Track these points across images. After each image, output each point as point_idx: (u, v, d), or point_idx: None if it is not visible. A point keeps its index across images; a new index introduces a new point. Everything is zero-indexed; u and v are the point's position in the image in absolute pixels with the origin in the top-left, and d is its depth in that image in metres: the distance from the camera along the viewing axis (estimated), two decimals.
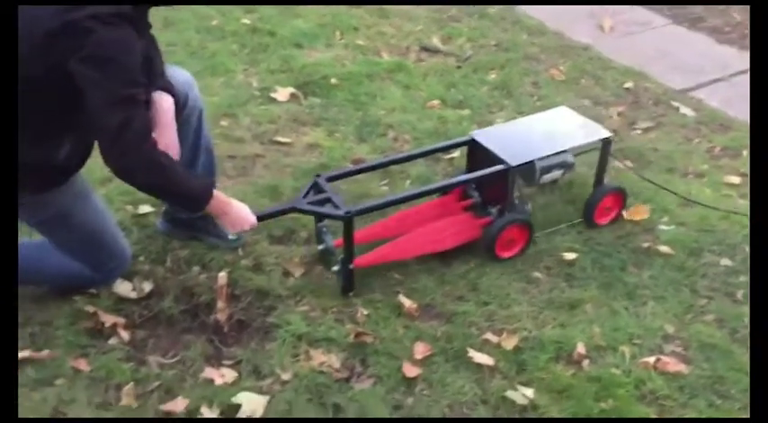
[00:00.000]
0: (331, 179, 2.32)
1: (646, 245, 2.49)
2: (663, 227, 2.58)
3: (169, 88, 2.02)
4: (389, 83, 3.38)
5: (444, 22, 4.00)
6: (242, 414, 1.86)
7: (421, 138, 2.99)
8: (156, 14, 3.96)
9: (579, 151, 2.49)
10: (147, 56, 1.92)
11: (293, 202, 2.23)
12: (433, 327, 2.14)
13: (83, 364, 1.97)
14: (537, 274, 2.35)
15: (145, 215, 2.48)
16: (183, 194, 1.93)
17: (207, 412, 1.85)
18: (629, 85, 3.48)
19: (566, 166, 2.42)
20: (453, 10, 4.11)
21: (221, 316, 2.11)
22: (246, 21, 3.79)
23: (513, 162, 2.30)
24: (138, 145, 1.79)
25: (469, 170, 2.47)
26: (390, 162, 2.56)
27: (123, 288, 2.17)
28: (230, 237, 2.28)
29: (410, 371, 1.99)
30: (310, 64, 3.44)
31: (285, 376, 1.97)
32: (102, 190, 2.55)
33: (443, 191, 2.50)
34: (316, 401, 1.91)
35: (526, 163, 2.33)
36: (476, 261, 2.37)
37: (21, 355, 1.97)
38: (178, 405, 1.87)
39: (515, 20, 4.06)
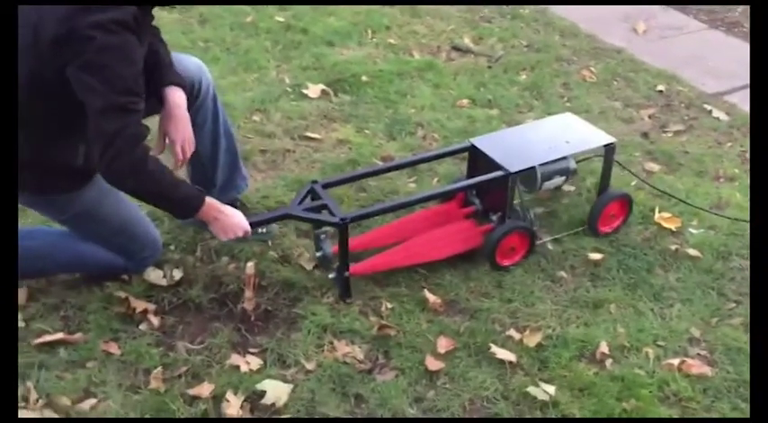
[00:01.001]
0: (327, 186, 2.29)
1: (674, 247, 2.47)
2: (692, 230, 2.56)
3: (179, 82, 2.05)
4: (419, 81, 3.40)
5: (476, 22, 4.01)
6: (266, 401, 1.89)
7: (450, 136, 3.01)
8: (191, 11, 4.05)
9: (582, 158, 2.45)
10: (153, 51, 1.97)
11: (288, 209, 2.21)
12: (457, 322, 2.16)
13: (114, 348, 2.02)
14: (562, 273, 2.35)
15: None
16: (172, 201, 1.96)
17: (232, 398, 1.89)
18: (661, 87, 3.46)
19: (568, 173, 2.39)
20: (485, 10, 4.12)
21: (248, 305, 2.15)
22: (280, 18, 3.85)
23: (513, 168, 2.26)
24: (129, 152, 1.81)
25: (470, 177, 2.43)
26: (388, 169, 2.52)
27: (154, 275, 2.22)
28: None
29: (432, 364, 2.01)
30: (341, 62, 3.47)
31: (309, 366, 2.00)
32: None
33: (441, 198, 2.46)
34: (338, 391, 1.94)
35: (525, 169, 2.29)
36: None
37: (54, 337, 2.03)
38: (204, 390, 1.91)
39: (548, 21, 4.05)
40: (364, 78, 3.35)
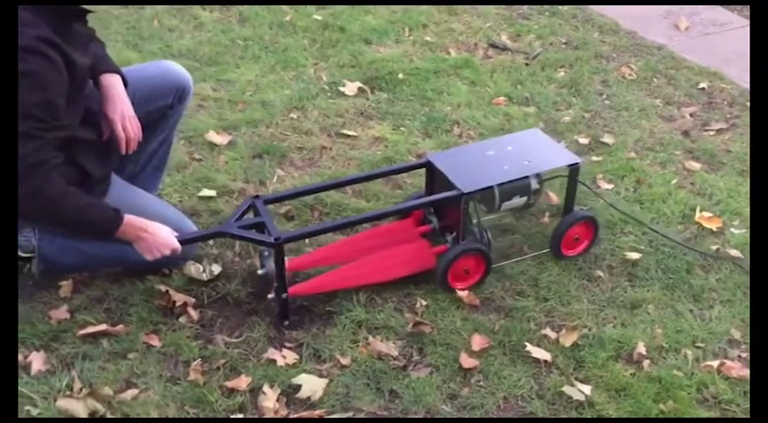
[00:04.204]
0: (268, 202, 2.22)
1: (714, 247, 2.43)
2: (734, 230, 2.51)
3: (113, 69, 2.11)
4: (456, 79, 3.40)
5: (514, 19, 3.98)
6: (302, 395, 1.92)
7: (486, 134, 3.00)
8: (231, 10, 4.11)
9: (545, 177, 2.32)
10: (95, 55, 2.03)
11: (223, 226, 2.14)
12: (492, 320, 2.16)
13: (154, 340, 2.07)
14: (599, 273, 2.33)
15: (213, 199, 2.58)
16: (83, 225, 1.95)
17: (269, 391, 1.92)
18: (703, 85, 3.40)
19: (529, 193, 2.27)
20: (523, 7, 4.09)
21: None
22: (318, 17, 3.88)
23: (466, 188, 2.15)
24: (24, 179, 1.79)
25: (428, 195, 2.33)
26: (338, 184, 2.43)
27: (194, 270, 2.26)
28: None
29: (467, 362, 2.02)
30: (378, 59, 3.49)
31: (344, 361, 2.02)
32: (178, 176, 2.68)
33: (384, 218, 2.35)
34: (373, 387, 1.96)
35: (479, 190, 2.18)
36: (536, 257, 2.37)
37: (97, 328, 2.08)
38: (242, 382, 1.94)
39: (587, 18, 4.01)
40: (401, 76, 3.36)
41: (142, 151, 2.32)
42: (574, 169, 2.30)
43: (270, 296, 2.12)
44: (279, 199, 2.34)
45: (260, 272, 2.19)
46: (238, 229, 2.11)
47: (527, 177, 2.25)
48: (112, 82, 2.09)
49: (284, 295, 2.08)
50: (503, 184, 2.22)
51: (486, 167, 2.26)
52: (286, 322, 2.12)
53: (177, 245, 2.04)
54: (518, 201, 2.27)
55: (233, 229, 2.11)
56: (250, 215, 2.18)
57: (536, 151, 2.35)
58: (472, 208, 2.23)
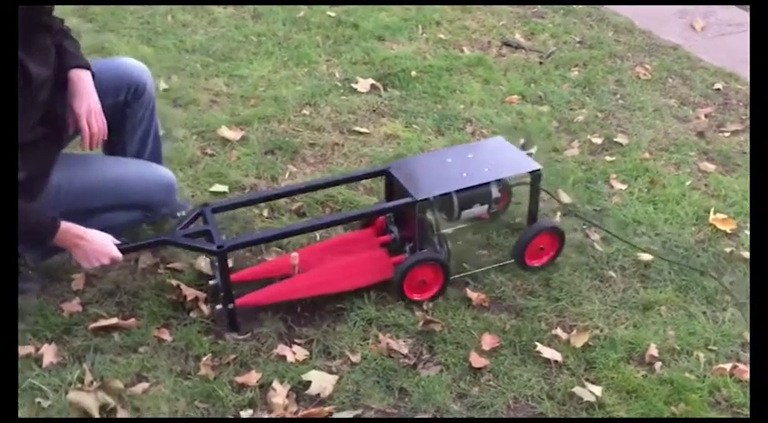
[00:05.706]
0: (217, 210, 2.19)
1: (728, 250, 2.41)
2: (748, 232, 2.49)
3: (82, 64, 2.09)
4: (469, 77, 3.39)
5: (528, 17, 3.97)
6: (312, 391, 1.92)
7: (499, 132, 2.98)
8: (245, 6, 4.10)
9: (506, 185, 2.29)
10: (58, 44, 2.02)
11: (168, 234, 2.12)
12: (502, 319, 2.15)
13: (165, 334, 2.07)
14: (611, 274, 2.32)
15: (225, 194, 2.58)
16: (19, 231, 1.85)
17: (278, 387, 1.92)
18: (718, 85, 3.37)
19: (490, 201, 2.22)
20: (538, 6, 4.07)
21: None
22: (332, 13, 3.87)
23: (419, 195, 2.12)
24: None
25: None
26: (294, 191, 2.40)
27: (205, 264, 2.27)
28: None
29: (477, 361, 2.01)
30: (391, 56, 3.48)
31: (354, 358, 2.02)
32: (190, 171, 2.68)
33: (336, 226, 2.33)
34: (383, 384, 1.96)
35: (434, 197, 2.13)
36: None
37: (109, 322, 2.09)
38: (252, 378, 1.95)
39: (601, 17, 3.98)
40: (414, 73, 3.36)
41: (122, 154, 2.29)
42: (535, 176, 2.25)
43: (218, 307, 2.08)
44: (228, 207, 2.28)
45: (212, 282, 2.15)
46: (183, 237, 2.08)
47: (488, 185, 2.20)
48: (81, 76, 2.08)
49: (231, 306, 2.05)
50: (461, 191, 2.17)
51: (444, 175, 2.22)
52: (234, 334, 2.09)
53: (117, 253, 1.99)
54: (479, 209, 2.22)
55: (177, 238, 2.08)
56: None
57: (497, 159, 2.30)
58: (431, 217, 2.17)
